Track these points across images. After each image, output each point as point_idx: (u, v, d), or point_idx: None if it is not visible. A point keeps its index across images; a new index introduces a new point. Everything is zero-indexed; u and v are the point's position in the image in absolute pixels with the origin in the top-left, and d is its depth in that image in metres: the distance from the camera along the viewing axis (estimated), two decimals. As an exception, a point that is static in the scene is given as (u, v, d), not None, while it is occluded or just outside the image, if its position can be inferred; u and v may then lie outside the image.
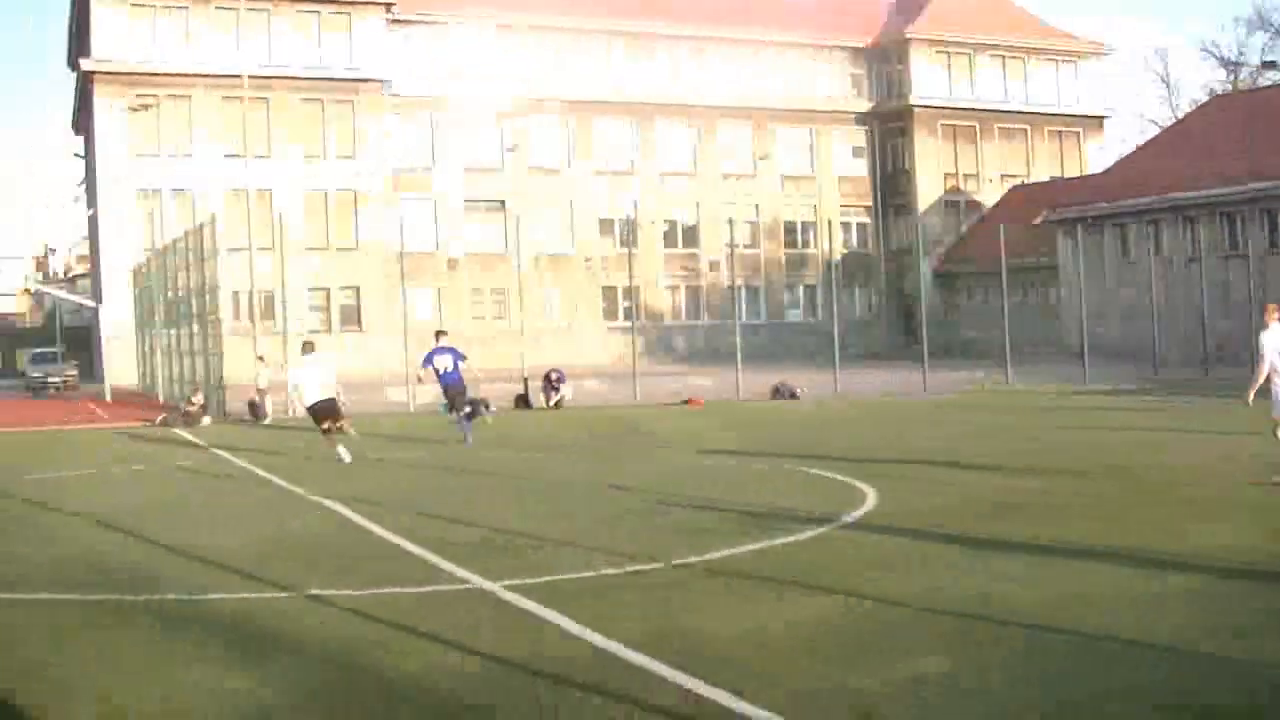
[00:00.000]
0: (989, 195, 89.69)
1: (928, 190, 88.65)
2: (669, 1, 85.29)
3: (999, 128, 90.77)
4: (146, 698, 9.07)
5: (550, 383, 39.98)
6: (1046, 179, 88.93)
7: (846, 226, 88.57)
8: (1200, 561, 12.69)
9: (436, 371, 29.24)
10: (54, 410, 47.35)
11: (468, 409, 29.16)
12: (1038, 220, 71.55)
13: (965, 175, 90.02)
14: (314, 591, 12.29)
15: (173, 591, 12.58)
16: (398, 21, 78.36)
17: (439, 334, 30.37)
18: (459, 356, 29.33)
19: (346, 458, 24.84)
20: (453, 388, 29.24)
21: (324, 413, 25.52)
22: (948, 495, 17.79)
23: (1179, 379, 46.38)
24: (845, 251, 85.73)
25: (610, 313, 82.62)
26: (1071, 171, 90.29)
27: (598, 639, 10.26)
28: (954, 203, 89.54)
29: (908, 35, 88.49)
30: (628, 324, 63.15)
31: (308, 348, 26.59)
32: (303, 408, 27.14)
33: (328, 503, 18.95)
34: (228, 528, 16.96)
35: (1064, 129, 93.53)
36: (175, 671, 9.66)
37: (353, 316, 75.88)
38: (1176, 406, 35.05)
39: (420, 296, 72.56)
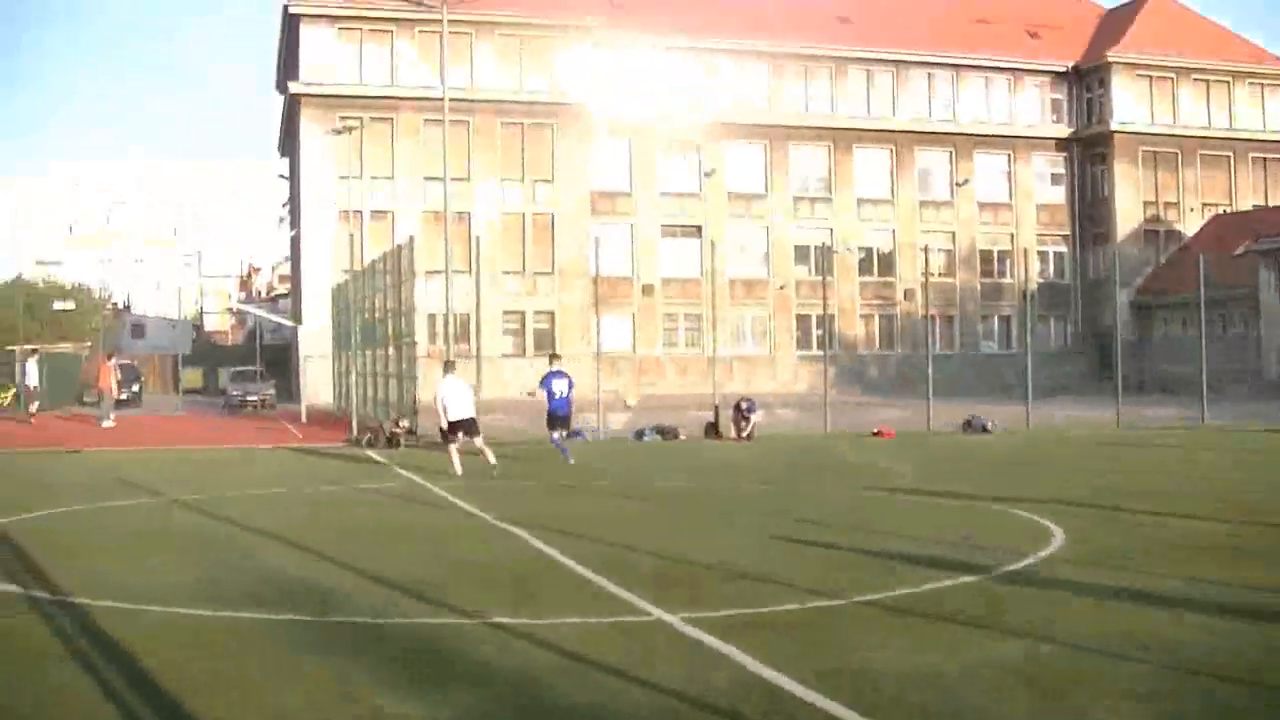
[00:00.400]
0: (1190, 224, 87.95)
1: (1127, 218, 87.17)
2: (866, 27, 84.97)
3: (1202, 154, 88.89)
4: (324, 716, 9.23)
5: (741, 412, 39.87)
6: (1250, 208, 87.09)
7: (1043, 255, 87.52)
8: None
9: (551, 394, 30.48)
10: (250, 428, 48.26)
11: (566, 432, 30.50)
12: (1239, 250, 70.18)
13: (1166, 203, 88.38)
14: (495, 619, 12.37)
15: (356, 614, 12.73)
16: (599, 46, 78.88)
17: (553, 357, 32.16)
18: (571, 383, 30.91)
19: (492, 458, 27.87)
20: (559, 412, 30.65)
21: (466, 429, 28.45)
22: (1139, 536, 17.45)
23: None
24: (1041, 281, 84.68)
25: (803, 341, 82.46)
26: (1277, 200, 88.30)
27: (773, 675, 10.18)
28: (1153, 232, 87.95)
29: (1109, 59, 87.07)
30: (820, 353, 63.02)
31: (450, 367, 29.30)
32: (445, 422, 28.66)
33: (513, 529, 19.07)
34: (414, 551, 17.14)
35: (1270, 156, 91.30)
36: (353, 692, 9.77)
37: (547, 341, 76.34)
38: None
39: (615, 322, 72.98)
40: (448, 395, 28.54)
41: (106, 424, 46.41)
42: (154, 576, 15.00)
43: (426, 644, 11.49)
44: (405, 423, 39.11)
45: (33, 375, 53.49)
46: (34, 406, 52.17)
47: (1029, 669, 10.43)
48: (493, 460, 27.76)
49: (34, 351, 58.98)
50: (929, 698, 9.62)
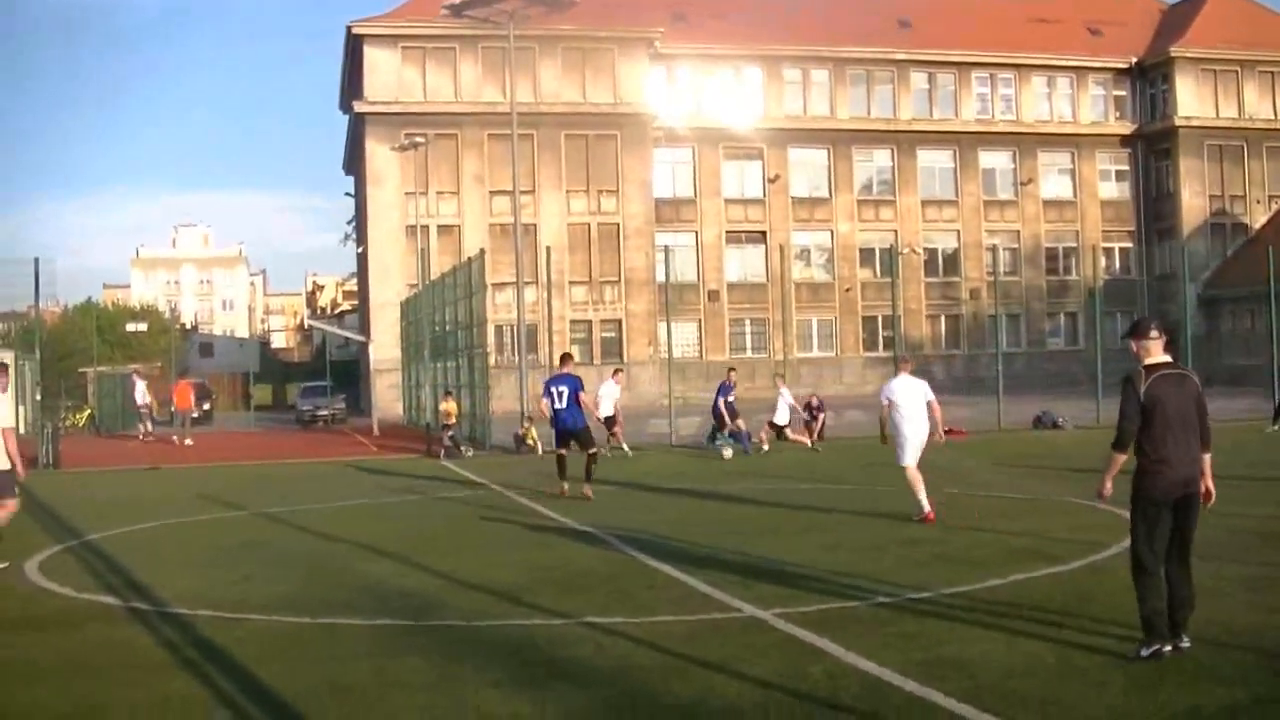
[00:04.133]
0: (1257, 217, 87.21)
1: (1193, 213, 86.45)
2: (927, 29, 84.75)
3: (1267, 146, 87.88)
4: (434, 715, 9.39)
5: (811, 410, 39.85)
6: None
7: (1109, 252, 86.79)
8: None
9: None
10: (324, 442, 48.66)
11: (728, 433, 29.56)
12: (1309, 242, 69.56)
13: (1232, 196, 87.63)
14: (589, 619, 12.55)
15: (451, 618, 12.94)
16: (661, 56, 79.06)
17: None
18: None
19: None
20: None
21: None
22: (1218, 526, 17.43)
23: None
24: (1107, 277, 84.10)
25: (870, 343, 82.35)
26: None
27: (869, 666, 10.35)
28: (1220, 225, 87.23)
29: (1172, 54, 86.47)
30: (888, 354, 62.96)
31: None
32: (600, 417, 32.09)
33: (596, 532, 19.28)
34: (500, 557, 17.33)
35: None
36: (458, 693, 9.97)
37: (614, 349, 76.58)
38: None
39: (682, 329, 73.11)
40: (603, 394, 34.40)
41: (188, 442, 46.93)
42: (249, 587, 15.26)
43: (523, 645, 11.67)
44: (526, 425, 39.40)
45: (142, 394, 54.25)
46: (148, 425, 52.54)
47: (1118, 655, 10.51)
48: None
49: (136, 371, 59.80)
50: (1028, 686, 9.72)
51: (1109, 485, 10.74)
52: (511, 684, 10.18)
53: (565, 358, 27.32)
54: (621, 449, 35.21)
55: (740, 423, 36.24)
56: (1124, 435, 10.51)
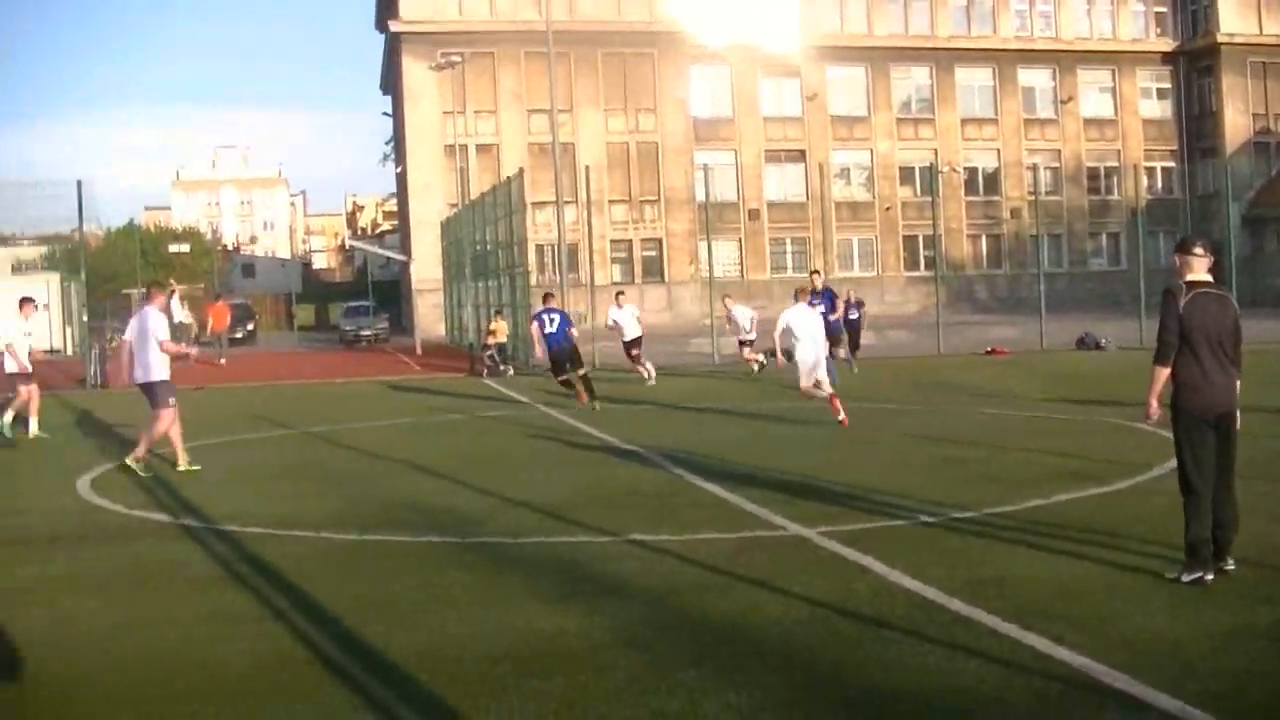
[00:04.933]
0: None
1: (1236, 132, 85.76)
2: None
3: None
4: (479, 631, 9.45)
5: (849, 304, 39.84)
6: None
7: (1150, 171, 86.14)
8: None
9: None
10: (367, 362, 48.86)
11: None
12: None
13: (1276, 115, 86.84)
14: (635, 536, 12.65)
15: (497, 535, 13.06)
16: (698, -28, 78.67)
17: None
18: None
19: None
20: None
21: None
22: (1261, 448, 17.36)
23: None
24: (1149, 197, 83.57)
25: (911, 262, 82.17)
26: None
27: (914, 584, 10.40)
28: (1264, 144, 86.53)
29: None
30: (929, 273, 62.75)
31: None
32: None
33: (641, 450, 19.38)
34: (545, 475, 17.45)
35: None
36: (505, 608, 10.05)
37: (655, 268, 76.60)
38: None
39: (722, 247, 72.98)
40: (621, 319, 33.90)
41: (221, 361, 47.18)
42: (297, 504, 15.41)
43: (569, 562, 11.76)
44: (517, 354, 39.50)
45: (179, 313, 54.42)
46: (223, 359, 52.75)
47: (1162, 574, 10.55)
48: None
49: (174, 291, 59.94)
50: (1073, 606, 9.74)
51: (1154, 405, 10.70)
52: (558, 600, 10.27)
53: (548, 296, 29.67)
54: (644, 371, 33.95)
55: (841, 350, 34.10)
56: (1164, 349, 10.43)
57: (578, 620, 9.65)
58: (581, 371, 28.04)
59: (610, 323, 34.61)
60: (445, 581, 11.06)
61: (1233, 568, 10.44)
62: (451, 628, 9.58)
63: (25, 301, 25.84)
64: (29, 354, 24.77)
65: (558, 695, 7.88)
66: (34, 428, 24.28)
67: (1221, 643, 8.77)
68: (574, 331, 28.37)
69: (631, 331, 34.04)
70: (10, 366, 24.38)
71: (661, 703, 7.68)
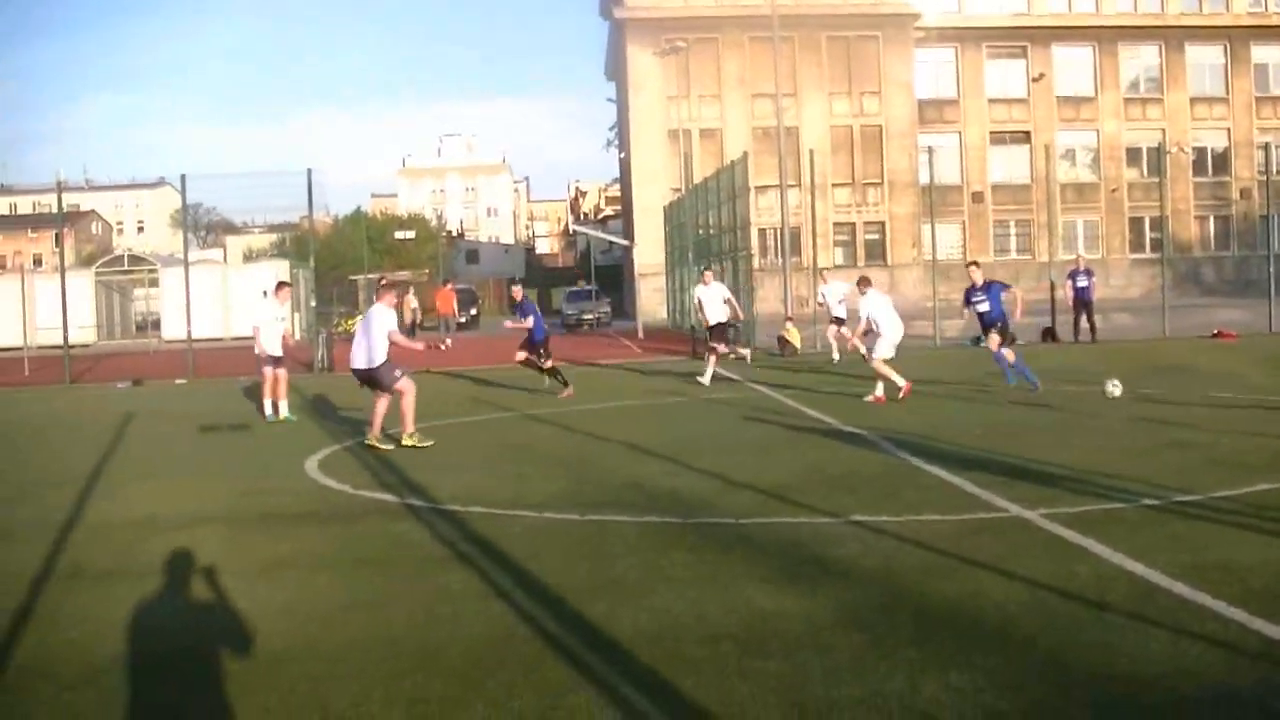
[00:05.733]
0: None
1: None
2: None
3: None
4: (700, 611, 9.46)
5: (1078, 271, 39.26)
6: None
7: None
8: None
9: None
10: (590, 345, 49.20)
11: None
12: None
13: None
14: (856, 517, 12.58)
15: (719, 515, 13.06)
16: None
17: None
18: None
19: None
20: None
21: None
22: None
23: None
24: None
25: (1136, 244, 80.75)
26: None
27: (1137, 567, 10.21)
28: None
29: None
30: (1154, 255, 61.68)
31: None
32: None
33: (862, 433, 19.27)
34: (766, 457, 17.41)
35: None
36: (726, 588, 10.05)
37: (877, 251, 76.19)
38: None
39: (945, 230, 72.36)
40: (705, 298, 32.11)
41: (447, 342, 47.84)
42: (520, 485, 15.55)
43: (791, 542, 11.71)
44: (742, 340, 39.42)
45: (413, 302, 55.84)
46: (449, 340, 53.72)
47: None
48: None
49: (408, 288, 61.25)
50: (1304, 588, 9.53)
51: None
52: (779, 580, 10.25)
53: (517, 291, 30.78)
54: (737, 353, 34.79)
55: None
56: None
57: (798, 601, 9.64)
58: (549, 364, 28.95)
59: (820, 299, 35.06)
60: (666, 561, 11.09)
61: None
62: (673, 607, 9.60)
63: (282, 286, 26.52)
64: (281, 338, 25.40)
65: (777, 674, 7.88)
66: (284, 410, 24.92)
67: None
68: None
69: (717, 315, 31.88)
70: (274, 348, 25.04)
71: (881, 683, 7.64)
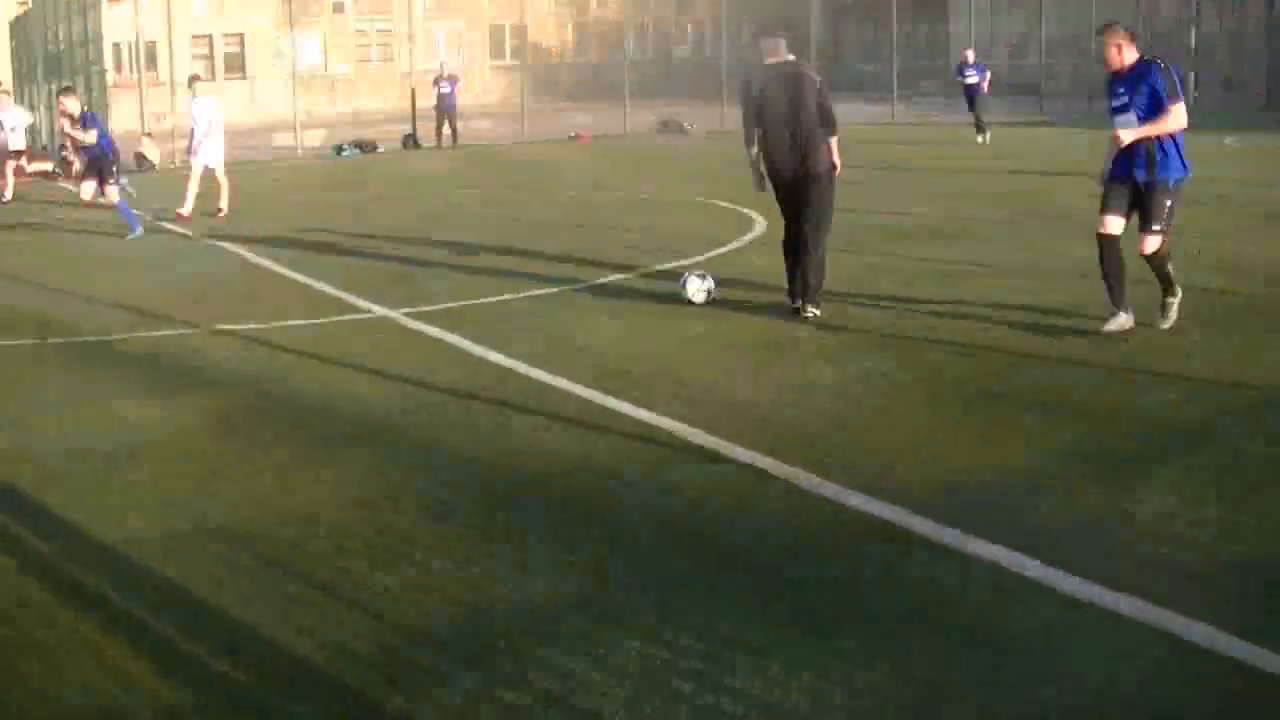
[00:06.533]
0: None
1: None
2: None
3: None
4: (66, 427, 9.38)
5: (440, 77, 39.56)
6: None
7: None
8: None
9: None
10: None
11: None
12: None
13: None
14: (219, 326, 12.60)
15: (83, 334, 12.79)
16: None
17: (66, 89, 26.05)
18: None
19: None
20: (103, 151, 22.30)
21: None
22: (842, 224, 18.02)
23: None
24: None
25: (496, 51, 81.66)
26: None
27: (499, 357, 10.75)
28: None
29: None
30: (515, 63, 62.69)
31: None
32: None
33: (222, 244, 19.09)
34: (127, 274, 16.97)
35: None
36: (94, 403, 9.98)
37: (237, 64, 74.80)
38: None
39: (306, 41, 71.63)
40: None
41: None
42: None
43: (158, 354, 11.71)
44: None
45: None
46: None
47: (734, 336, 11.16)
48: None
49: None
50: (651, 369, 10.32)
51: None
52: (145, 391, 10.26)
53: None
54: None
55: None
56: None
57: (166, 409, 9.68)
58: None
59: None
60: (30, 380, 10.97)
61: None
62: (39, 426, 9.48)
63: None
64: None
65: (147, 484, 7.89)
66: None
67: (797, 391, 9.41)
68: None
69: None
70: None
71: (251, 484, 7.78)
